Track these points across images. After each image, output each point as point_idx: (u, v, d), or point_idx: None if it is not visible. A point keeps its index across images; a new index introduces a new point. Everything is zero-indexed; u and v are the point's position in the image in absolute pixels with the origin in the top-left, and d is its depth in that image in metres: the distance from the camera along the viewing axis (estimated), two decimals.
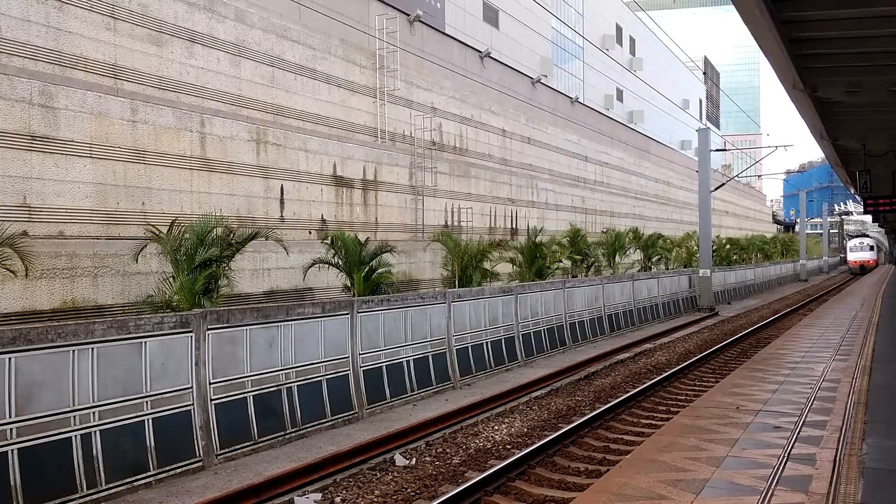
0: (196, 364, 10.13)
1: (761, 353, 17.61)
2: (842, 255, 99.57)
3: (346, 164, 21.80)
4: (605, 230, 35.10)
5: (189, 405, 9.92)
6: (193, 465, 9.73)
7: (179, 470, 9.52)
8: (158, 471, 9.27)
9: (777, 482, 7.50)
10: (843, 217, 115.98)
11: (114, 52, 15.58)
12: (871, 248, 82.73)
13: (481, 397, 13.90)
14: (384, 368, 13.69)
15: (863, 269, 78.83)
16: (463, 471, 9.72)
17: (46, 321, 12.00)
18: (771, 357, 16.50)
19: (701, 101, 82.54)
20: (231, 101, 18.43)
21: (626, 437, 11.51)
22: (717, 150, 46.79)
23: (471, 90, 30.52)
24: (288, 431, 11.26)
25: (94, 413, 8.77)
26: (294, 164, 19.80)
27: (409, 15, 26.88)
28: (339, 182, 21.54)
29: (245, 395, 10.80)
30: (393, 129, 24.74)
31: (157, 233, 13.29)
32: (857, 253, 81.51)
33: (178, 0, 17.12)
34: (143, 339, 9.48)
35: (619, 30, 54.89)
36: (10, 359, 8.04)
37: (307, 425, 11.61)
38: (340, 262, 17.00)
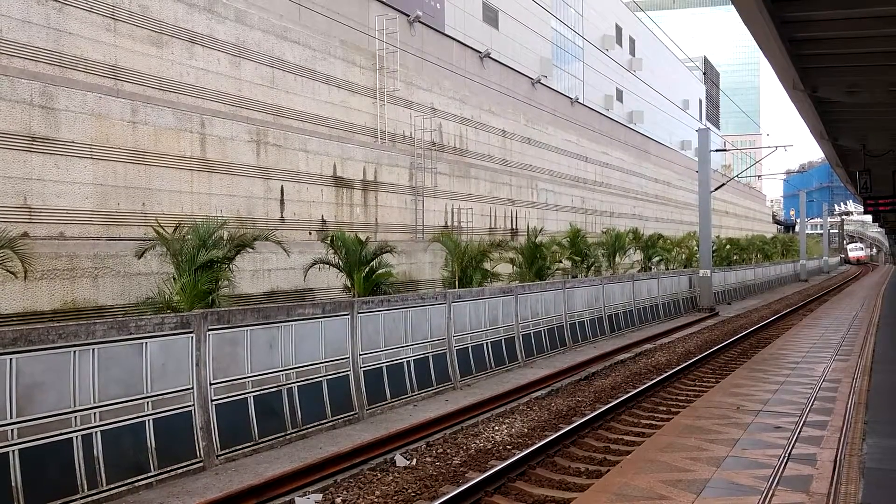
0: (197, 364, 10.14)
1: (762, 353, 17.62)
2: (842, 256, 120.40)
3: (346, 164, 21.80)
4: (605, 230, 35.08)
5: (190, 406, 9.93)
6: (194, 466, 9.74)
7: (180, 470, 9.53)
8: (159, 471, 9.28)
9: (778, 482, 7.51)
10: (843, 217, 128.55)
11: (114, 53, 15.59)
12: (862, 248, 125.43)
13: (482, 398, 13.91)
14: (384, 369, 13.70)
15: (858, 262, 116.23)
16: (463, 471, 9.73)
17: (47, 322, 12.01)
18: (771, 357, 16.51)
19: (701, 102, 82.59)
20: (231, 102, 18.43)
21: (626, 437, 11.52)
22: (717, 151, 46.81)
23: (471, 91, 30.52)
24: (288, 432, 11.26)
25: (94, 414, 8.78)
26: (294, 165, 19.80)
27: (408, 15, 26.88)
28: (340, 183, 21.54)
29: (246, 395, 10.81)
30: (393, 129, 24.74)
31: (162, 233, 13.29)
32: (855, 252, 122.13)
33: (179, 1, 17.12)
34: (144, 340, 9.49)
35: (618, 30, 54.91)
36: (11, 359, 8.05)
37: (308, 426, 11.62)
38: (341, 263, 17.00)
